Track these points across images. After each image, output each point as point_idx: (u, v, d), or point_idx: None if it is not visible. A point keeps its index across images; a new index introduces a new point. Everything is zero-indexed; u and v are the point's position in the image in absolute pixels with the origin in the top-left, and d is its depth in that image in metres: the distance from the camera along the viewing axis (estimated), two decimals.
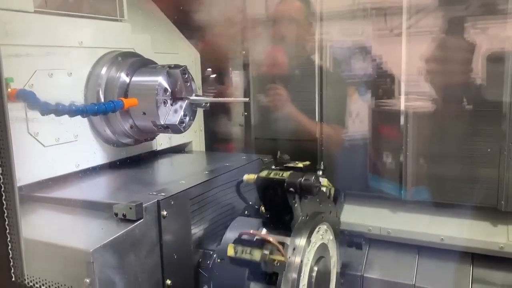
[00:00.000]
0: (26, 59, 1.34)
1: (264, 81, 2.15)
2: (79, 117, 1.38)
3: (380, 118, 1.98)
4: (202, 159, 2.05)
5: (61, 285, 1.08)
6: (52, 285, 1.09)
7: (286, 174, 1.30)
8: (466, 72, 1.77)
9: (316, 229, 1.37)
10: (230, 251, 1.23)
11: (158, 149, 1.88)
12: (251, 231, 1.27)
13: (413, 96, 1.87)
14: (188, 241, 1.38)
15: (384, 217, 1.92)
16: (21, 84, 1.31)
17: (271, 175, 1.31)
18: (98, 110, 1.37)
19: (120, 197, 1.31)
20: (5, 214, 1.07)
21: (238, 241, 1.25)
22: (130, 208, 1.16)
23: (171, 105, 1.55)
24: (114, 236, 1.10)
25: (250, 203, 1.48)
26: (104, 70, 1.55)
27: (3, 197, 1.07)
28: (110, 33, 1.64)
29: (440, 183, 1.85)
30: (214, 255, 1.40)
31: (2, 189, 1.07)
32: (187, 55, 2.09)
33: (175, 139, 1.97)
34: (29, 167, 1.35)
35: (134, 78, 1.56)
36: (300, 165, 1.42)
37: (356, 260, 1.84)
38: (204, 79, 2.20)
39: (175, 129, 1.55)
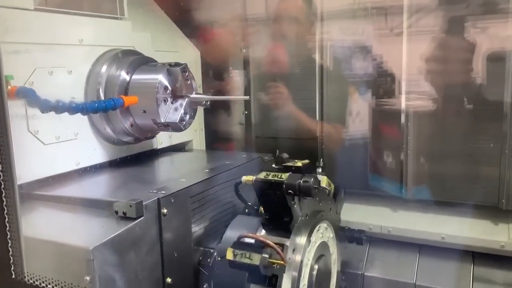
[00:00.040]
0: (26, 56, 1.34)
1: (264, 80, 2.15)
2: (79, 115, 1.37)
3: (380, 117, 1.97)
4: (202, 157, 2.05)
5: (61, 283, 1.08)
6: (52, 282, 1.09)
7: (284, 176, 1.29)
8: (467, 71, 1.77)
9: (316, 228, 1.37)
10: (229, 255, 1.23)
11: (158, 147, 1.88)
12: (250, 234, 1.26)
13: (414, 95, 1.87)
14: (188, 239, 1.38)
15: (385, 215, 1.92)
16: (21, 82, 1.31)
17: (270, 177, 1.31)
18: (98, 107, 1.37)
19: (121, 195, 1.31)
20: (5, 212, 1.07)
21: (237, 245, 1.25)
22: (130, 206, 1.16)
23: (172, 103, 1.55)
24: (114, 234, 1.10)
25: (249, 203, 1.48)
26: (104, 68, 1.55)
27: (3, 195, 1.07)
28: (111, 31, 1.64)
29: (441, 182, 1.85)
30: (215, 253, 1.39)
31: (2, 186, 1.07)
32: (187, 53, 2.09)
33: (176, 138, 1.97)
34: (29, 165, 1.35)
35: (135, 76, 1.56)
36: (299, 164, 1.42)
37: (356, 259, 1.84)
38: (205, 77, 2.19)
39: (175, 127, 1.55)
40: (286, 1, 2.18)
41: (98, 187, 1.51)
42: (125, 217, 1.17)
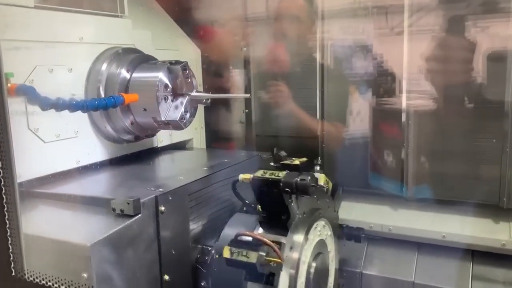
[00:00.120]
0: (26, 54, 1.34)
1: (265, 78, 2.14)
2: (79, 113, 1.37)
3: (381, 117, 1.97)
4: (201, 155, 2.05)
5: (61, 280, 1.08)
6: (52, 280, 1.09)
7: (282, 174, 1.30)
8: (467, 70, 1.77)
9: (314, 226, 1.37)
10: (226, 253, 1.23)
11: (159, 146, 1.88)
12: (247, 232, 1.27)
13: (414, 94, 1.87)
14: (186, 237, 1.38)
15: (385, 214, 1.91)
16: (21, 79, 1.30)
17: (267, 175, 1.31)
18: (99, 105, 1.37)
19: (119, 192, 1.31)
20: (5, 209, 1.07)
21: (234, 243, 1.25)
22: (128, 204, 1.16)
23: (172, 101, 1.55)
24: (112, 231, 1.11)
25: (247, 201, 1.48)
26: (104, 66, 1.55)
27: (3, 192, 1.07)
28: (111, 29, 1.64)
29: (442, 181, 1.85)
30: (212, 251, 1.39)
31: (2, 183, 1.06)
32: (188, 52, 2.09)
33: (176, 136, 1.97)
34: (29, 163, 1.35)
35: (135, 74, 1.56)
36: (297, 162, 1.41)
37: (355, 257, 1.84)
38: (205, 76, 2.19)
39: (175, 125, 1.55)
40: (287, 0, 2.18)
41: (97, 185, 1.50)
42: (123, 215, 1.17)
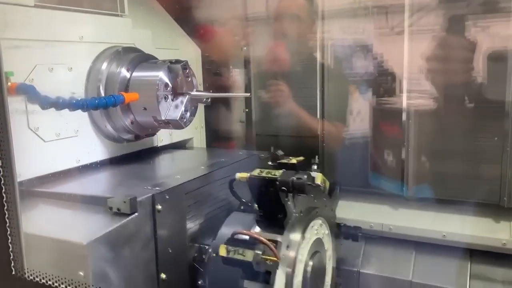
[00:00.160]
0: (26, 53, 1.34)
1: (265, 78, 2.14)
2: (79, 112, 1.37)
3: (381, 116, 1.97)
4: (200, 154, 2.05)
5: (61, 279, 1.08)
6: (52, 279, 1.09)
7: (278, 173, 1.30)
8: (467, 70, 1.77)
9: (311, 225, 1.37)
10: (222, 252, 1.23)
11: (159, 145, 1.87)
12: (244, 231, 1.27)
13: (415, 94, 1.87)
14: (183, 236, 1.38)
15: (385, 213, 1.91)
16: (21, 78, 1.30)
17: (263, 174, 1.31)
18: (99, 104, 1.37)
19: (117, 191, 1.32)
20: (5, 208, 1.07)
21: (231, 241, 1.25)
22: (125, 202, 1.17)
23: (172, 100, 1.54)
24: (109, 230, 1.11)
25: (243, 200, 1.48)
26: (104, 65, 1.55)
27: (3, 191, 1.07)
28: (111, 28, 1.64)
29: (442, 180, 1.85)
30: (210, 250, 1.40)
31: (2, 182, 1.06)
32: (188, 51, 2.09)
33: (176, 136, 1.97)
34: (29, 162, 1.34)
35: (135, 73, 1.56)
36: (294, 161, 1.42)
37: (353, 256, 1.84)
38: (205, 75, 2.19)
39: (176, 124, 1.55)
40: None
41: (96, 184, 1.50)
42: (120, 213, 1.17)
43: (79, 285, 1.05)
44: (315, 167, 1.62)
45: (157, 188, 1.29)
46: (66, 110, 1.30)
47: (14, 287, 1.12)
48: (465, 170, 1.80)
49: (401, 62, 1.85)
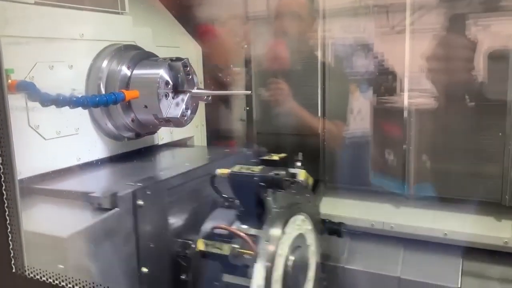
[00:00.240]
0: (27, 50, 1.33)
1: (266, 76, 2.14)
2: (80, 110, 1.37)
3: (382, 115, 1.97)
4: (196, 152, 2.06)
5: (61, 277, 1.08)
6: (53, 276, 1.09)
7: (258, 169, 1.35)
8: (468, 69, 1.77)
9: (292, 220, 1.38)
10: (200, 246, 1.27)
11: (160, 143, 1.87)
12: (222, 225, 1.31)
13: (416, 93, 1.87)
14: (165, 231, 1.40)
15: (387, 212, 1.91)
16: (21, 76, 1.29)
17: (243, 170, 1.36)
18: (100, 101, 1.36)
19: (101, 187, 1.34)
20: (5, 205, 1.06)
21: (210, 236, 1.29)
22: (105, 198, 1.20)
23: (173, 98, 1.54)
24: (88, 224, 1.15)
25: (225, 196, 1.50)
26: (105, 63, 1.54)
27: (3, 188, 1.06)
28: (111, 26, 1.63)
29: (443, 179, 1.85)
30: (193, 245, 1.40)
31: (2, 179, 1.06)
32: (188, 49, 2.08)
33: (177, 134, 1.96)
34: (29, 160, 1.34)
35: (136, 71, 1.55)
36: (276, 157, 1.47)
37: (338, 252, 1.85)
38: (206, 73, 2.19)
39: (176, 122, 1.54)
40: None
41: (84, 180, 1.50)
42: (100, 208, 1.20)
43: (78, 283, 1.05)
44: (298, 164, 1.62)
45: (138, 184, 1.31)
46: (67, 108, 1.29)
47: (14, 285, 1.12)
48: (466, 168, 1.80)
49: (402, 61, 1.85)
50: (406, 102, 1.87)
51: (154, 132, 1.77)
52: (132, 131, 1.62)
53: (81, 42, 1.51)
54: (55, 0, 1.45)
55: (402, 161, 1.90)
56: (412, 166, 1.88)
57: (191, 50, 2.09)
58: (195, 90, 1.57)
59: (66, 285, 1.06)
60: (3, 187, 1.06)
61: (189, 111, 1.58)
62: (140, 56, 1.59)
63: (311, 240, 1.50)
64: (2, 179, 1.07)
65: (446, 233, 1.71)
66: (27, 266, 1.09)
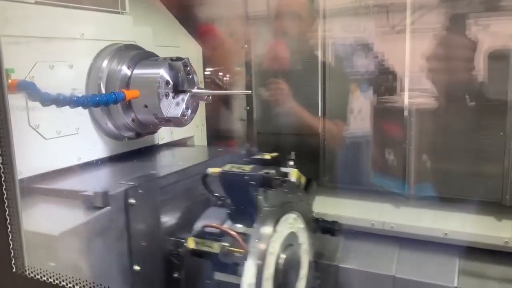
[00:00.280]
0: (27, 50, 1.33)
1: (266, 76, 2.14)
2: (80, 109, 1.37)
3: (382, 115, 1.97)
4: (196, 152, 2.07)
5: (61, 276, 1.08)
6: (53, 276, 1.09)
7: (249, 168, 1.36)
8: (469, 69, 1.77)
9: (284, 218, 1.38)
10: (191, 244, 1.28)
11: (160, 143, 1.87)
12: (213, 224, 1.32)
13: (416, 92, 1.87)
14: (157, 229, 1.40)
15: (387, 212, 1.91)
16: (21, 76, 1.29)
17: (234, 169, 1.37)
18: (100, 101, 1.36)
19: (94, 186, 1.34)
20: (6, 205, 1.06)
21: (200, 234, 1.31)
22: (96, 197, 1.22)
23: (173, 98, 1.54)
24: (80, 223, 1.16)
25: (216, 194, 1.50)
26: (105, 63, 1.54)
27: (4, 187, 1.06)
28: (112, 26, 1.63)
29: (444, 179, 1.85)
30: (185, 244, 1.41)
31: (3, 179, 1.06)
32: (189, 49, 2.08)
33: (177, 133, 1.96)
34: (30, 159, 1.34)
35: (136, 71, 1.55)
36: (267, 156, 1.47)
37: (332, 250, 1.85)
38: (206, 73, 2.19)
39: (177, 122, 1.54)
40: None
41: (84, 180, 1.50)
42: (92, 207, 1.22)
43: (78, 283, 1.05)
44: (291, 163, 1.62)
45: (130, 183, 1.32)
46: (67, 107, 1.29)
47: (15, 285, 1.12)
48: (466, 168, 1.80)
49: (402, 61, 1.85)
50: (406, 101, 1.88)
51: (154, 132, 1.77)
52: (133, 130, 1.62)
53: (81, 41, 1.51)
54: (56, 0, 1.45)
55: (403, 161, 1.90)
56: (413, 166, 1.88)
57: (191, 50, 2.09)
58: (195, 90, 1.57)
59: (66, 284, 1.06)
60: (3, 187, 1.06)
61: (189, 111, 1.58)
62: (140, 55, 1.59)
63: (303, 238, 1.51)
64: (2, 179, 1.07)
65: (446, 233, 1.71)
66: (27, 266, 1.09)
